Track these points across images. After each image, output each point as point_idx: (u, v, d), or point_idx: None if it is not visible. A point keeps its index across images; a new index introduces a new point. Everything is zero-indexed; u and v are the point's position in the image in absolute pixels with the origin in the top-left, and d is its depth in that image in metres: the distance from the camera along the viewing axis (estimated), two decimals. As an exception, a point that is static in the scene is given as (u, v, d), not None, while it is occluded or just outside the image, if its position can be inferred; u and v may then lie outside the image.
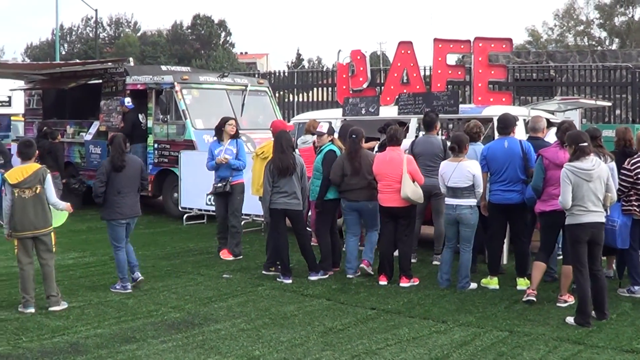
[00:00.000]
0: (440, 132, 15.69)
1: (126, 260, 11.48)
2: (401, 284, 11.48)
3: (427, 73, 23.05)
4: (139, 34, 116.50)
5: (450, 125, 22.55)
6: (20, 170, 10.25)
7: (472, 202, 11.12)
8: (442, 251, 11.85)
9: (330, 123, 13.33)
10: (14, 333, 9.07)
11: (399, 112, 16.10)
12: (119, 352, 8.31)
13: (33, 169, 10.23)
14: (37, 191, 10.16)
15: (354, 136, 12.17)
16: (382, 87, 20.74)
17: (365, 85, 17.96)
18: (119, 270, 11.46)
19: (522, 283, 11.29)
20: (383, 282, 11.66)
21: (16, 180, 10.10)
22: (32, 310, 10.06)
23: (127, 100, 19.72)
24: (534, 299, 10.36)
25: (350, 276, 12.17)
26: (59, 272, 12.30)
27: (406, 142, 13.31)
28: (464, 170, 11.08)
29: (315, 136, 13.66)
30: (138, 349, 8.40)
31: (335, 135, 13.15)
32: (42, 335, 8.99)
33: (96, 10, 58.66)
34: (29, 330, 9.20)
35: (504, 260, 12.44)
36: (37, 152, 10.84)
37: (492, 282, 11.43)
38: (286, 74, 36.15)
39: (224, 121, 14.18)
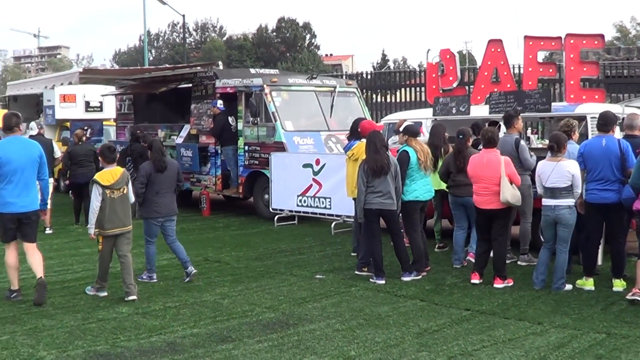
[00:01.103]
0: (525, 130, 15.51)
1: (155, 253, 12.32)
2: (495, 285, 11.36)
3: (517, 71, 22.84)
4: (224, 38, 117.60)
5: (543, 124, 22.22)
6: (110, 173, 11.01)
7: (571, 202, 10.93)
8: (540, 251, 11.65)
9: (409, 123, 13.29)
10: (112, 332, 9.20)
11: (490, 111, 15.95)
12: (215, 351, 8.38)
13: (120, 172, 11.08)
14: (124, 192, 11.09)
15: (460, 136, 12.73)
16: (470, 86, 20.59)
17: (455, 85, 17.82)
18: (147, 262, 12.33)
19: (618, 284, 11.07)
20: (475, 280, 11.56)
21: (108, 182, 10.88)
22: (106, 294, 11.08)
23: (219, 102, 19.91)
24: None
25: (457, 266, 12.56)
26: (154, 273, 12.62)
27: None
28: (562, 170, 10.89)
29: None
30: (234, 349, 8.45)
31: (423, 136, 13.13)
32: (139, 334, 9.11)
33: (183, 16, 59.41)
34: (127, 329, 9.33)
35: (599, 261, 12.20)
36: (118, 155, 11.57)
37: (588, 284, 11.22)
38: (371, 75, 36.12)
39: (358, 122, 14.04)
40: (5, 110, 33.74)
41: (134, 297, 10.84)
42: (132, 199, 11.42)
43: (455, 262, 12.87)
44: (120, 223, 11.02)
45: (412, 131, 12.63)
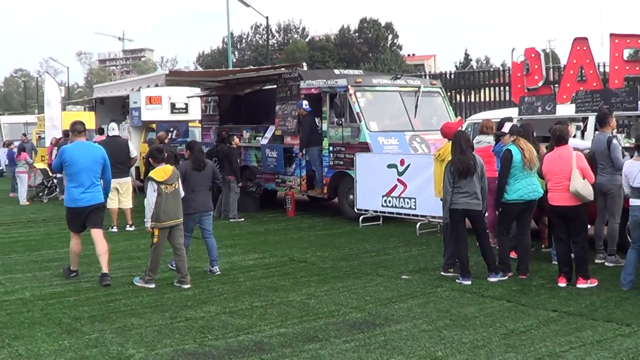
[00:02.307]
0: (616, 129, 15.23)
1: (188, 246, 12.85)
2: (578, 285, 11.17)
3: (602, 69, 22.45)
4: (307, 40, 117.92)
5: (630, 123, 21.80)
6: (163, 170, 11.95)
7: (659, 202, 10.72)
8: (627, 252, 11.44)
9: (513, 121, 13.17)
10: (199, 331, 9.28)
11: (577, 110, 15.73)
12: (302, 351, 8.38)
13: (171, 169, 12.04)
14: (176, 187, 12.03)
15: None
16: (555, 85, 20.31)
17: (540, 84, 17.64)
18: (209, 254, 13.03)
19: None
20: (562, 283, 11.38)
21: (162, 178, 11.83)
22: (154, 285, 11.82)
23: (305, 103, 19.96)
24: None
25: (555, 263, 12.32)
26: (239, 273, 12.72)
27: (586, 143, 13.01)
28: (650, 170, 10.69)
29: (492, 136, 13.60)
30: (321, 349, 8.44)
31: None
32: (227, 333, 9.16)
33: (267, 18, 59.58)
34: (214, 328, 9.39)
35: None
36: (166, 155, 12.54)
37: (679, 285, 11.00)
38: (454, 74, 35.90)
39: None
40: (92, 113, 34.54)
41: (188, 285, 11.80)
42: (183, 193, 12.27)
43: (554, 257, 12.62)
44: (174, 216, 11.93)
45: (518, 130, 12.49)
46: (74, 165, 12.16)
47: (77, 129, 12.68)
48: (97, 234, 12.45)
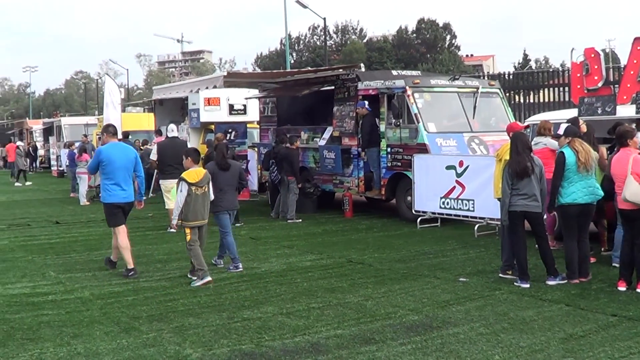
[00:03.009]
0: None
1: (234, 242, 13.48)
2: (638, 289, 10.98)
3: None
4: (364, 40, 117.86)
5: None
6: (195, 172, 12.51)
7: None
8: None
9: (579, 123, 13.03)
10: (256, 332, 9.30)
11: (637, 111, 15.50)
12: (359, 352, 8.34)
13: (203, 172, 12.63)
14: (206, 190, 12.59)
15: None
16: (615, 86, 20.03)
17: (600, 84, 17.37)
18: (230, 252, 13.46)
19: None
20: (622, 287, 11.19)
21: (194, 180, 12.37)
22: (209, 279, 12.20)
23: (366, 103, 19.95)
24: None
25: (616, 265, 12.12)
26: (296, 274, 12.74)
27: None
28: None
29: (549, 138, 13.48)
30: (377, 351, 8.40)
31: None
32: (283, 334, 9.17)
33: (324, 19, 59.70)
34: (271, 329, 9.41)
35: None
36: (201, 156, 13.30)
37: None
38: (513, 75, 35.64)
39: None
40: (151, 114, 34.83)
41: (209, 278, 12.34)
42: (212, 196, 12.87)
43: (614, 259, 12.50)
44: (201, 216, 12.53)
45: (573, 132, 12.30)
46: (112, 163, 13.05)
47: (110, 130, 13.67)
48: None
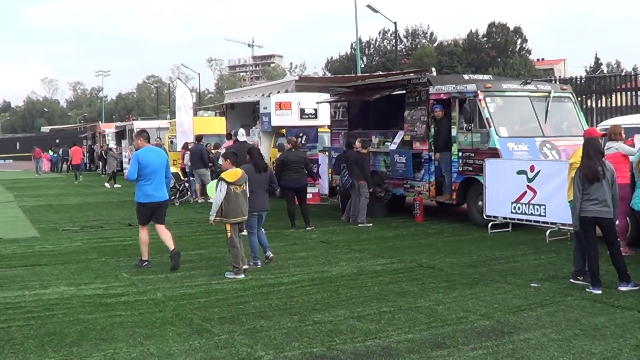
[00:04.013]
0: None
1: (257, 242, 14.38)
2: None
3: None
4: (435, 45, 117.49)
5: None
6: (234, 173, 13.40)
7: None
8: None
9: None
10: (327, 335, 9.31)
11: None
12: (429, 357, 8.32)
13: (240, 172, 13.53)
14: (243, 188, 13.49)
15: None
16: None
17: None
18: (252, 251, 14.30)
19: None
20: None
21: (232, 179, 13.28)
22: (243, 276, 13.11)
23: (441, 107, 19.95)
24: None
25: None
26: (367, 278, 12.75)
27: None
28: None
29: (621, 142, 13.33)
30: (449, 355, 8.36)
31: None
32: (354, 338, 9.16)
33: (395, 23, 59.62)
34: (342, 332, 9.41)
35: None
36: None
37: None
38: (584, 79, 35.25)
39: None
40: (223, 118, 35.16)
41: (247, 266, 13.51)
42: (248, 194, 13.75)
43: None
44: (241, 213, 13.41)
45: None
46: (148, 166, 14.06)
47: (144, 136, 14.68)
48: (160, 229, 14.53)
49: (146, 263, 14.43)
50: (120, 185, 39.11)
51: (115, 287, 12.55)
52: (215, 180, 14.44)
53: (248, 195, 13.77)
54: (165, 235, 14.46)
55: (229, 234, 13.38)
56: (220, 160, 19.40)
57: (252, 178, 14.09)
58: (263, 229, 14.73)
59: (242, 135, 19.63)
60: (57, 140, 76.90)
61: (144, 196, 14.24)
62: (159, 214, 14.52)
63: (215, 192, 13.45)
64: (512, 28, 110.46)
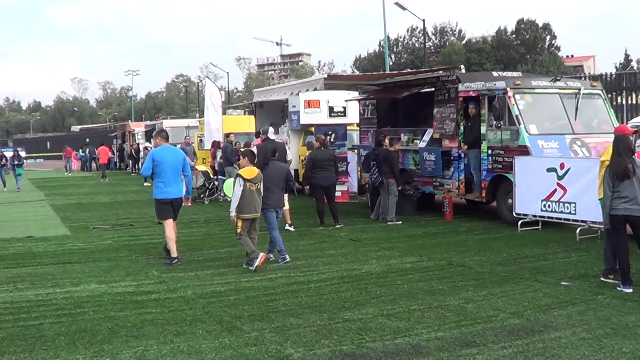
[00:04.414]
0: None
1: (279, 237, 14.54)
2: None
3: None
4: (463, 42, 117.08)
5: None
6: (250, 170, 13.96)
7: None
8: None
9: None
10: (357, 333, 9.33)
11: None
12: (459, 355, 8.31)
13: (257, 171, 14.06)
14: (259, 186, 14.00)
15: None
16: None
17: None
18: (277, 245, 14.47)
19: None
20: None
21: (249, 176, 13.83)
22: (263, 254, 13.62)
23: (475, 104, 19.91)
24: None
25: None
26: (397, 276, 12.74)
27: None
28: None
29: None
30: (478, 354, 8.35)
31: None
32: (384, 336, 9.18)
33: (423, 20, 59.48)
34: (372, 330, 9.43)
35: None
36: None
37: None
38: (614, 75, 35.02)
39: None
40: (252, 117, 35.23)
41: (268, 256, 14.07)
42: (264, 191, 14.29)
43: None
44: (254, 210, 13.91)
45: None
46: (162, 164, 14.63)
47: (163, 135, 15.35)
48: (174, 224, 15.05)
49: (176, 261, 14.59)
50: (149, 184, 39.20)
51: (146, 284, 12.65)
52: (232, 179, 14.95)
53: (264, 193, 14.30)
54: (169, 233, 14.85)
55: (239, 229, 13.90)
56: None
57: (268, 175, 14.53)
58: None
59: (271, 133, 19.65)
60: (87, 140, 77.29)
61: (159, 192, 14.81)
62: (173, 210, 15.00)
63: (233, 189, 13.92)
64: (541, 25, 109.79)
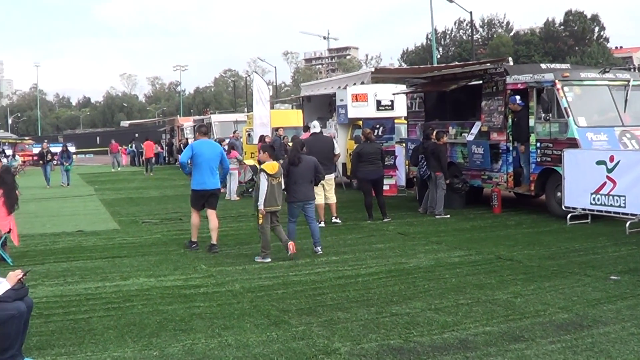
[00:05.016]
0: None
1: (295, 230, 15.35)
2: None
3: None
4: (511, 34, 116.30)
5: None
6: (272, 165, 14.43)
7: None
8: None
9: None
10: (405, 327, 9.31)
11: None
12: (507, 350, 8.26)
13: (278, 166, 14.54)
14: (280, 180, 14.52)
15: None
16: None
17: None
18: (289, 235, 14.95)
19: None
20: None
21: (271, 171, 14.33)
22: (269, 260, 14.15)
23: (518, 98, 19.73)
24: None
25: None
26: (445, 270, 12.71)
27: None
28: None
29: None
30: (527, 349, 8.30)
31: None
32: (431, 330, 9.15)
33: (470, 13, 59.22)
34: (419, 324, 9.40)
35: None
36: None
37: None
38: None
39: None
40: (300, 111, 35.29)
41: (269, 259, 14.19)
42: (283, 186, 14.80)
43: None
44: (275, 203, 14.35)
45: None
46: (199, 156, 15.60)
47: (202, 130, 16.63)
48: (211, 213, 15.85)
49: (195, 245, 15.79)
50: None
51: (194, 278, 12.75)
52: None
53: (292, 186, 15.04)
54: (213, 223, 15.72)
55: (260, 221, 14.38)
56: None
57: (292, 170, 15.10)
58: (317, 221, 15.72)
59: (314, 127, 19.69)
60: (137, 135, 77.95)
61: (196, 184, 15.79)
62: (211, 200, 15.91)
63: (259, 184, 14.41)
64: (589, 16, 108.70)
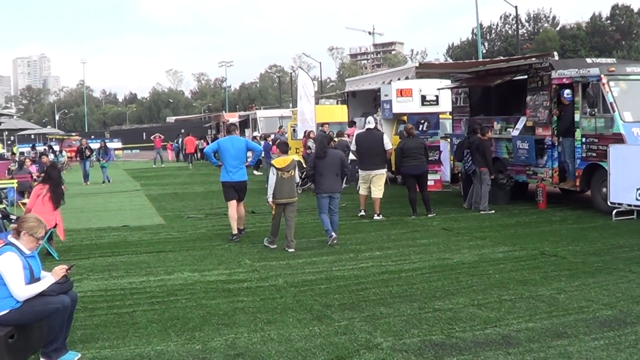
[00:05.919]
0: None
1: (328, 219, 15.78)
2: None
3: None
4: (557, 28, 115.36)
5: None
6: (283, 160, 15.31)
7: None
8: None
9: None
10: (447, 323, 9.32)
11: None
12: (550, 347, 8.23)
13: (290, 160, 15.38)
14: (291, 174, 15.25)
15: None
16: None
17: None
18: (324, 226, 15.82)
19: None
20: None
21: (281, 166, 15.13)
22: (275, 247, 15.15)
23: (567, 92, 19.60)
24: None
25: None
26: (488, 265, 12.66)
27: None
28: None
29: None
30: (569, 345, 8.26)
31: None
32: (474, 326, 9.15)
33: (516, 7, 58.83)
34: (462, 320, 9.41)
35: None
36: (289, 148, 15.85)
37: None
38: None
39: None
40: (344, 106, 35.32)
41: (292, 249, 14.83)
42: (297, 179, 15.67)
43: None
44: (287, 195, 15.20)
45: None
46: (224, 152, 16.78)
47: (230, 129, 18.10)
48: (238, 205, 16.88)
49: (235, 237, 16.46)
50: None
51: (238, 273, 12.84)
52: None
53: (317, 178, 15.82)
54: (240, 213, 16.95)
55: (274, 211, 15.50)
56: (352, 147, 20.01)
57: (318, 163, 15.85)
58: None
59: (369, 122, 19.67)
60: (182, 130, 78.41)
61: (223, 176, 16.91)
62: (238, 192, 16.91)
63: (268, 178, 15.45)
64: (636, 10, 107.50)
